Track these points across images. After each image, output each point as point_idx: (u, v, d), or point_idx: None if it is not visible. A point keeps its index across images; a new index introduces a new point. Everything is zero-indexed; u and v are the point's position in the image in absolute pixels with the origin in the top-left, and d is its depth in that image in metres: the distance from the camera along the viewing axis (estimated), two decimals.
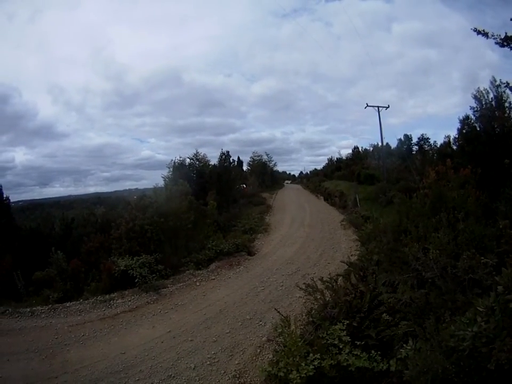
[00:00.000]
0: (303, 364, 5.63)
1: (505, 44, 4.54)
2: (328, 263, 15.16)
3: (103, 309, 13.04)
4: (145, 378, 8.94)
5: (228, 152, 36.65)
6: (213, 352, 9.93)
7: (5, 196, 24.01)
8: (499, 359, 3.22)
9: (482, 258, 5.21)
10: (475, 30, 4.63)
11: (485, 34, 4.51)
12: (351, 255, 10.64)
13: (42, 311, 12.67)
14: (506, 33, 4.51)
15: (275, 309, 8.60)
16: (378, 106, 34.39)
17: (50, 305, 13.09)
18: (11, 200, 25.35)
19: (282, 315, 7.49)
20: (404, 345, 4.83)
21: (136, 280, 14.17)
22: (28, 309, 12.71)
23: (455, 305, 5.23)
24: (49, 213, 30.88)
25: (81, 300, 13.63)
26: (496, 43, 4.54)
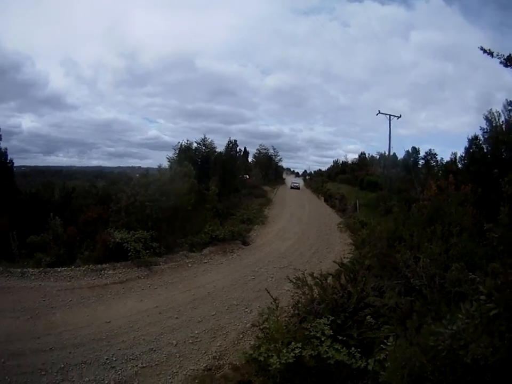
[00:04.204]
0: (284, 351, 5.78)
1: (508, 64, 4.65)
2: (320, 261, 15.33)
3: (93, 278, 13.20)
4: (126, 349, 9.15)
5: (235, 141, 36.76)
6: (196, 332, 10.14)
7: (9, 159, 24.18)
8: (475, 354, 3.40)
9: (471, 274, 5.32)
10: (481, 48, 4.74)
11: (490, 54, 4.63)
12: (344, 257, 10.77)
13: (33, 273, 12.80)
14: (510, 53, 4.62)
15: (266, 289, 8.73)
16: (390, 115, 34.21)
17: (41, 269, 13.23)
18: (15, 165, 25.51)
19: (272, 297, 7.64)
20: (385, 342, 4.97)
21: (129, 254, 14.35)
22: (19, 270, 12.83)
23: (438, 315, 5.36)
24: (50, 181, 30.81)
25: (72, 267, 13.78)
26: (501, 63, 4.65)
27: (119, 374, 8.23)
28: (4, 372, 7.70)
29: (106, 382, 7.93)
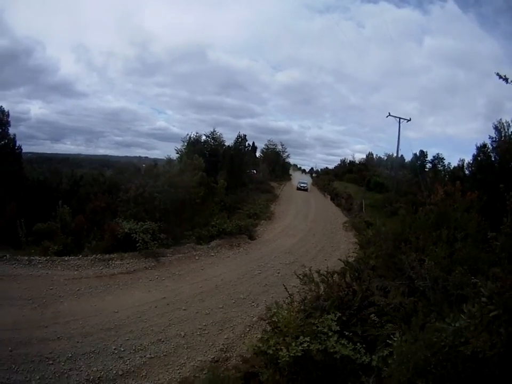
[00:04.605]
0: (293, 344, 5.97)
1: None
2: (325, 259, 15.45)
3: (101, 267, 13.39)
4: (135, 339, 9.38)
5: (245, 135, 36.89)
6: (204, 324, 10.39)
7: (17, 145, 24.36)
8: (475, 347, 3.62)
9: (473, 278, 5.44)
10: (497, 74, 4.88)
11: (505, 79, 4.76)
12: (349, 256, 10.89)
13: (40, 261, 12.91)
14: None
15: (283, 284, 8.92)
16: (400, 118, 34.05)
17: (48, 257, 13.35)
18: (22, 152, 25.40)
19: (287, 291, 7.91)
20: (391, 337, 5.14)
21: (137, 245, 14.54)
22: (26, 257, 12.91)
23: (441, 316, 5.51)
24: (58, 168, 30.82)
25: (80, 256, 13.96)
26: None
27: (127, 364, 8.45)
28: (11, 360, 7.87)
29: (114, 372, 8.14)
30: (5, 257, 12.61)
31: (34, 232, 15.81)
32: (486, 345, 3.60)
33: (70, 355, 8.36)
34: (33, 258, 12.97)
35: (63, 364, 8.07)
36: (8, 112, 23.02)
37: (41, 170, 28.09)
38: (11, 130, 23.64)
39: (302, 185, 51.61)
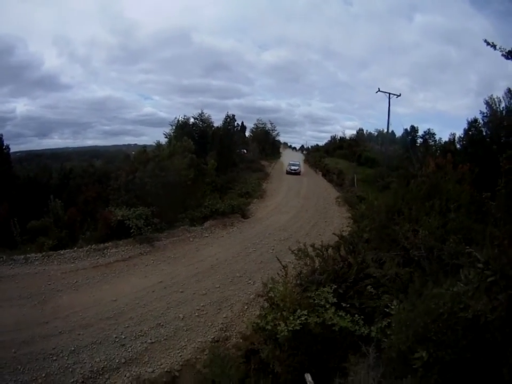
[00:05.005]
0: (291, 318, 5.99)
1: (509, 56, 4.76)
2: (320, 234, 15.45)
3: (96, 257, 13.36)
4: (134, 325, 9.45)
5: (233, 115, 36.57)
6: (201, 305, 10.45)
7: (5, 145, 24.49)
8: (475, 310, 3.64)
9: (468, 247, 5.46)
10: (485, 41, 4.86)
11: (493, 46, 4.75)
12: (343, 231, 10.90)
13: (36, 258, 12.82)
14: None
15: (276, 257, 9.08)
16: (389, 93, 33.72)
17: (44, 253, 13.29)
18: (10, 151, 25.73)
19: (281, 263, 7.91)
20: (389, 305, 5.18)
21: (131, 231, 14.47)
22: (22, 256, 12.80)
23: (437, 285, 5.54)
24: (47, 164, 30.71)
25: (75, 248, 13.89)
26: (503, 55, 4.77)
27: (129, 351, 8.54)
28: (16, 362, 7.90)
29: (117, 360, 8.22)
30: (1, 258, 12.49)
31: (29, 230, 15.85)
32: (486, 308, 3.61)
33: (72, 348, 8.44)
34: (29, 256, 12.85)
35: (66, 358, 8.15)
36: None
37: (30, 168, 28.04)
38: None
39: (292, 167, 40.70)
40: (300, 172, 40.64)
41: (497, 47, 4.82)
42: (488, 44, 4.85)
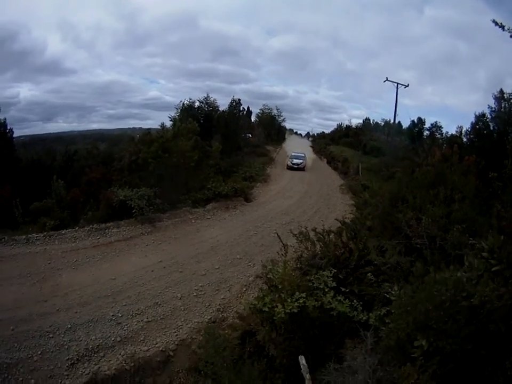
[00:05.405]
0: (288, 300, 5.93)
1: None
2: (322, 220, 15.30)
3: (97, 237, 13.34)
4: (132, 304, 9.45)
5: (239, 99, 36.22)
6: (200, 285, 10.43)
7: (8, 128, 24.64)
8: (482, 295, 3.50)
9: (471, 239, 5.36)
10: (493, 21, 4.69)
11: (502, 27, 4.59)
12: (345, 218, 10.80)
13: (37, 238, 12.79)
14: None
15: (276, 233, 9.11)
16: (397, 83, 33.25)
17: (45, 233, 13.26)
18: (14, 136, 25.96)
19: (282, 241, 7.82)
20: (389, 291, 5.08)
21: (133, 211, 14.41)
22: (24, 237, 12.77)
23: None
24: (51, 147, 30.70)
25: (77, 228, 13.86)
26: (511, 36, 4.61)
27: (125, 329, 8.54)
28: (13, 339, 7.91)
29: (112, 338, 8.22)
30: (3, 239, 12.45)
31: (31, 211, 15.85)
32: (493, 295, 3.49)
33: (69, 326, 8.44)
34: (30, 236, 12.82)
35: (62, 336, 8.15)
36: None
37: (34, 151, 28.07)
38: (1, 115, 24.14)
39: (295, 161, 32.65)
40: (304, 166, 32.55)
41: (506, 28, 4.65)
42: (496, 24, 4.68)
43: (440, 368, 3.83)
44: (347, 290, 6.41)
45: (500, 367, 3.58)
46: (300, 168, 31.81)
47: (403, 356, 4.20)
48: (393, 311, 4.61)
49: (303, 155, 34.56)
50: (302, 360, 5.23)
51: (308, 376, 5.02)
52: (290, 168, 31.83)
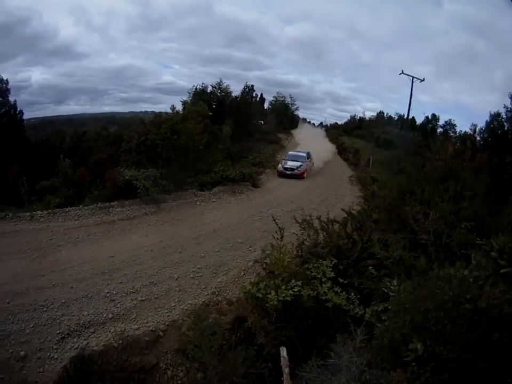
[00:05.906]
0: (283, 287, 5.77)
1: None
2: (328, 210, 14.86)
3: (101, 215, 13.40)
4: (127, 282, 9.44)
5: (252, 86, 35.91)
6: (198, 267, 10.33)
7: (18, 110, 24.75)
8: (490, 297, 3.26)
9: (478, 239, 5.14)
10: None
11: None
12: (352, 209, 10.61)
13: (42, 215, 12.89)
14: None
15: (271, 215, 8.95)
16: (413, 77, 32.55)
17: (50, 210, 13.34)
18: (24, 118, 26.02)
19: (277, 225, 7.58)
20: (388, 285, 4.88)
21: (138, 191, 14.37)
22: (28, 214, 12.89)
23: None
24: (61, 129, 30.89)
25: (81, 206, 13.93)
26: None
27: (118, 307, 8.53)
28: (8, 312, 7.99)
29: (104, 315, 8.22)
30: (7, 215, 12.56)
31: (38, 190, 15.89)
32: (503, 298, 3.24)
33: (63, 301, 8.49)
34: (35, 213, 12.93)
35: (56, 310, 8.21)
36: (7, 80, 23.89)
37: (44, 133, 28.29)
38: (11, 98, 24.29)
39: (290, 164, 23.48)
40: (303, 173, 23.32)
41: None
42: None
43: (433, 377, 3.55)
44: (346, 282, 6.25)
45: (500, 382, 3.34)
46: (294, 175, 22.91)
47: (395, 358, 3.97)
48: (390, 308, 4.40)
49: (304, 155, 25.53)
50: (283, 351, 5.11)
51: (286, 370, 4.87)
52: (282, 175, 23.06)
